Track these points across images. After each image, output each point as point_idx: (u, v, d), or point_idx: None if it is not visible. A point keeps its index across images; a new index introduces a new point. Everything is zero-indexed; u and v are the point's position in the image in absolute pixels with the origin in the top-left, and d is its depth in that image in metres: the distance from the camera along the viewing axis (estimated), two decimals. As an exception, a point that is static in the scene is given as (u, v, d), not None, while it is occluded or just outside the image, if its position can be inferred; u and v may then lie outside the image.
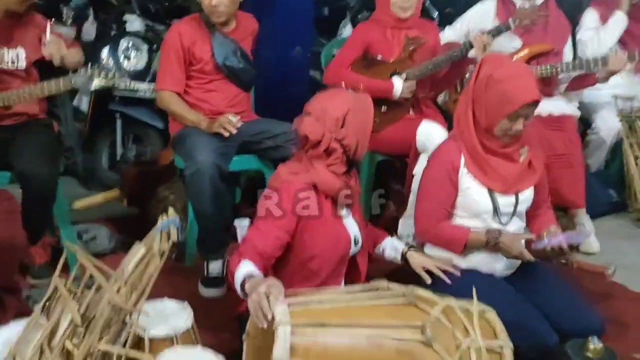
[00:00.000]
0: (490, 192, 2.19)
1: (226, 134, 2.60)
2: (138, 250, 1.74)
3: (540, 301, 2.18)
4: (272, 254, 1.83)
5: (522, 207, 2.28)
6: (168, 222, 1.75)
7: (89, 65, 2.58)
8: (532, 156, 2.26)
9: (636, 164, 3.45)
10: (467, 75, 3.39)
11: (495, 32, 2.89)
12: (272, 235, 1.81)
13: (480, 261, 2.20)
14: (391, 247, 2.23)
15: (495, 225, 2.21)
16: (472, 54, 2.86)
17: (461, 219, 2.22)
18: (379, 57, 2.86)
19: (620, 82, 3.60)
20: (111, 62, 3.70)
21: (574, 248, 2.18)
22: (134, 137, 3.90)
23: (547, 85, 3.39)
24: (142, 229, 1.96)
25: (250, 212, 2.65)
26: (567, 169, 3.14)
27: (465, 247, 2.16)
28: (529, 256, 2.07)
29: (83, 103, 3.87)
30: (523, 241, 2.12)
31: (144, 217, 3.10)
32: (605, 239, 3.22)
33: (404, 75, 2.82)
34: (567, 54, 3.42)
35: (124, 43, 3.82)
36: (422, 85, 2.90)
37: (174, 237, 1.74)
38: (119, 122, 3.79)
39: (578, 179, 3.16)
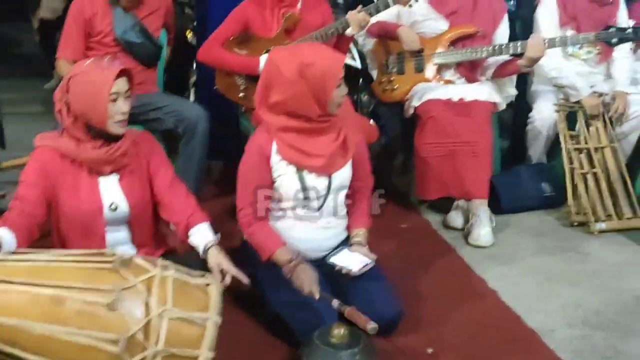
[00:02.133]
0: (300, 174, 2.18)
1: None
2: None
3: (348, 289, 2.19)
4: (34, 211, 1.92)
5: (338, 188, 2.25)
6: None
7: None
8: (347, 134, 2.22)
9: (570, 159, 3.21)
10: (390, 58, 3.34)
11: (373, 10, 2.80)
12: (29, 193, 1.93)
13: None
14: (200, 235, 2.03)
15: (306, 209, 2.21)
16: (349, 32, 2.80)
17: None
18: (256, 35, 2.86)
19: (579, 70, 3.38)
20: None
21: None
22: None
23: (470, 71, 3.27)
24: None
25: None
26: (471, 157, 3.01)
27: (270, 259, 2.16)
28: (315, 294, 2.03)
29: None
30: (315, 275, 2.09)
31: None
32: (513, 234, 3.07)
33: None
34: (499, 38, 3.26)
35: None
36: None
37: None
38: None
39: (481, 169, 3.01)
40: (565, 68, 3.35)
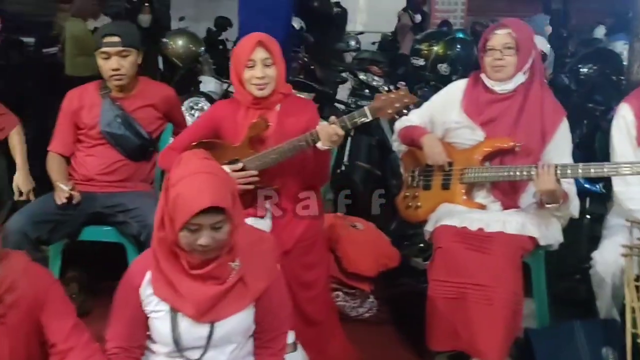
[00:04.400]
0: (174, 315, 1.76)
1: (58, 202, 2.59)
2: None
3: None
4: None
5: (224, 341, 1.78)
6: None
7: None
8: (249, 271, 1.76)
9: (635, 322, 2.36)
10: (417, 170, 2.82)
11: (348, 122, 2.30)
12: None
13: None
14: None
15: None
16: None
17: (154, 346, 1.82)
18: (223, 141, 2.49)
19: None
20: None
21: None
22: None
23: (508, 194, 2.63)
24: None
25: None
26: (484, 306, 2.34)
27: None
28: None
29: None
30: None
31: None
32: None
33: (240, 165, 2.42)
34: (553, 157, 2.58)
35: (188, 103, 4.07)
36: (273, 177, 2.45)
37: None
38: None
39: (496, 323, 2.31)
40: None
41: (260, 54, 2.39)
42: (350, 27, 10.46)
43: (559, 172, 2.36)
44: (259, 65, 2.39)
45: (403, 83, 2.28)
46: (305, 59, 5.16)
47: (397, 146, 2.95)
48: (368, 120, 2.28)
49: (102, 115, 2.77)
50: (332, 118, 2.30)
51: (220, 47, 6.23)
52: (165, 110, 2.90)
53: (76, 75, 5.01)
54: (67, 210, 2.61)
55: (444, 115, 2.76)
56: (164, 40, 4.62)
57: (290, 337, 2.34)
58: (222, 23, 6.50)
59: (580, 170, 2.38)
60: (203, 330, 1.75)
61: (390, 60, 5.33)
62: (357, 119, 2.28)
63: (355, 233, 2.93)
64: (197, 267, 1.71)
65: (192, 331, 1.75)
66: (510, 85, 2.63)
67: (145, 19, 6.41)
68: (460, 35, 6.16)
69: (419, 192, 2.78)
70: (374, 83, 4.59)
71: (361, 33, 9.55)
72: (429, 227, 2.60)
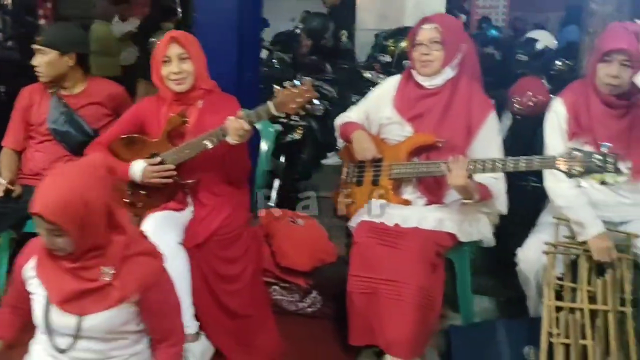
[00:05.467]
0: (47, 303, 1.83)
1: None
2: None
3: None
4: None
5: (94, 330, 1.83)
6: None
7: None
8: (121, 278, 1.80)
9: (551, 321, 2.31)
10: (351, 166, 2.82)
11: (254, 117, 2.33)
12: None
13: None
14: None
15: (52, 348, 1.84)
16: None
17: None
18: (146, 136, 2.55)
19: (602, 199, 2.50)
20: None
21: None
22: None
23: (433, 191, 2.62)
24: None
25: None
26: (392, 301, 2.34)
27: None
28: None
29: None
30: None
31: None
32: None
33: (157, 159, 2.47)
34: (479, 152, 2.55)
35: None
36: (192, 171, 2.50)
37: None
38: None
39: (404, 318, 2.30)
40: (578, 196, 2.47)
41: (174, 50, 2.46)
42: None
43: (470, 167, 2.33)
44: (174, 60, 2.46)
45: (307, 78, 2.28)
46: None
47: (340, 143, 2.96)
48: (274, 114, 2.31)
49: (50, 112, 2.88)
50: (239, 112, 2.34)
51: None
52: (113, 107, 2.99)
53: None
54: (7, 203, 2.74)
55: (378, 111, 2.76)
56: (152, 39, 4.71)
57: (193, 327, 2.40)
58: None
59: (492, 165, 2.33)
60: (71, 320, 1.81)
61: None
62: (262, 114, 2.32)
63: (293, 228, 2.95)
64: (68, 261, 1.79)
65: (61, 319, 1.80)
66: (438, 81, 2.61)
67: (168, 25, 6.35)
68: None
69: (352, 188, 2.79)
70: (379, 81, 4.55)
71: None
72: (352, 223, 2.61)
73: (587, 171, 2.09)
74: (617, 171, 2.05)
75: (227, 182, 2.55)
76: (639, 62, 2.41)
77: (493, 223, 2.62)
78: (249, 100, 2.79)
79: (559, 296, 2.39)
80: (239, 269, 2.57)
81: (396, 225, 2.45)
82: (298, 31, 5.79)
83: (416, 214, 2.49)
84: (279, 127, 3.10)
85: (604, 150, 2.09)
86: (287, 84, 2.28)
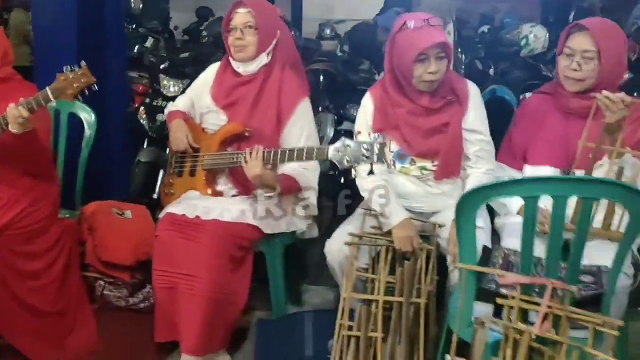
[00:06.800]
0: None
1: None
2: None
3: None
4: None
5: None
6: None
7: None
8: None
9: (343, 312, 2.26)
10: (175, 155, 2.74)
11: (34, 103, 2.20)
12: None
13: None
14: None
15: None
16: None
17: None
18: None
19: (410, 191, 2.45)
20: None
21: None
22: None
23: (244, 182, 2.53)
24: None
25: None
26: (187, 296, 2.27)
27: None
28: None
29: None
30: None
31: None
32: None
33: None
34: (291, 141, 2.49)
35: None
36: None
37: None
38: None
39: (194, 313, 2.22)
40: (382, 187, 2.38)
41: None
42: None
43: (265, 157, 2.27)
44: None
45: (83, 63, 2.19)
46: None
47: None
48: (51, 101, 2.22)
49: None
50: (21, 100, 2.24)
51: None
52: None
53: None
54: None
55: (200, 99, 2.68)
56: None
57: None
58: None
59: (286, 155, 2.27)
60: None
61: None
62: (41, 100, 2.22)
63: (118, 221, 2.86)
64: None
65: None
66: (252, 67, 2.53)
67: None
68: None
69: (173, 179, 2.71)
70: None
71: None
72: (160, 215, 2.53)
73: (356, 161, 2.04)
74: (380, 160, 2.01)
75: (24, 174, 2.45)
76: (451, 49, 2.36)
77: (311, 214, 2.57)
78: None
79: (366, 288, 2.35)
80: (44, 264, 2.49)
81: (197, 217, 2.38)
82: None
83: (220, 206, 2.42)
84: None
85: (375, 140, 2.05)
86: (65, 68, 2.18)
